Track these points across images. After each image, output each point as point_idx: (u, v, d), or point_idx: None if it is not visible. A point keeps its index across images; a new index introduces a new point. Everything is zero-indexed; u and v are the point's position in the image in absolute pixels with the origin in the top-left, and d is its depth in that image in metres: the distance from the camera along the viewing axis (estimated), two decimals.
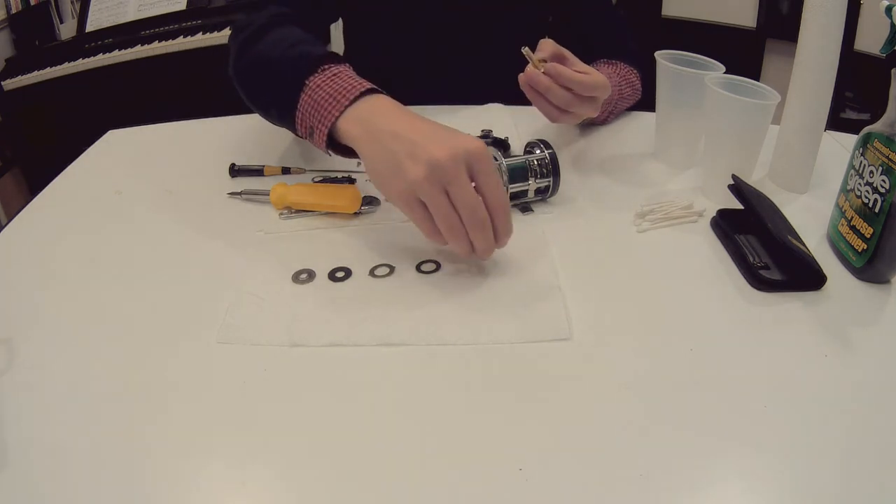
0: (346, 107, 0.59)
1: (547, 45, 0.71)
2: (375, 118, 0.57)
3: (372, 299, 0.56)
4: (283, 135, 0.87)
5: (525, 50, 0.69)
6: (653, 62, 0.77)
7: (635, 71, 0.92)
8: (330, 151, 0.62)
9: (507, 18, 0.97)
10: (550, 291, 0.56)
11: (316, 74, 0.63)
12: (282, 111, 0.66)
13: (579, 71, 0.72)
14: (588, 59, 0.92)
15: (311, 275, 0.59)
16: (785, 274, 0.57)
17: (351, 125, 0.58)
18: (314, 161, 0.79)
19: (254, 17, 0.77)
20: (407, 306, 0.55)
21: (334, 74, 0.62)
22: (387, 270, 0.59)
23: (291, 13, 0.79)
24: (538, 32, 1.03)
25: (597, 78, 0.70)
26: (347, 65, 0.65)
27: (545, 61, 0.70)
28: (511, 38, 0.98)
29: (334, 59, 0.65)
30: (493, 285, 0.57)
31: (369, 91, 0.60)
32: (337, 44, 0.95)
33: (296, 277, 0.59)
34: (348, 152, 0.61)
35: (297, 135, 0.66)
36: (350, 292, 0.57)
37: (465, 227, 0.53)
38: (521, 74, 0.70)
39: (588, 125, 0.90)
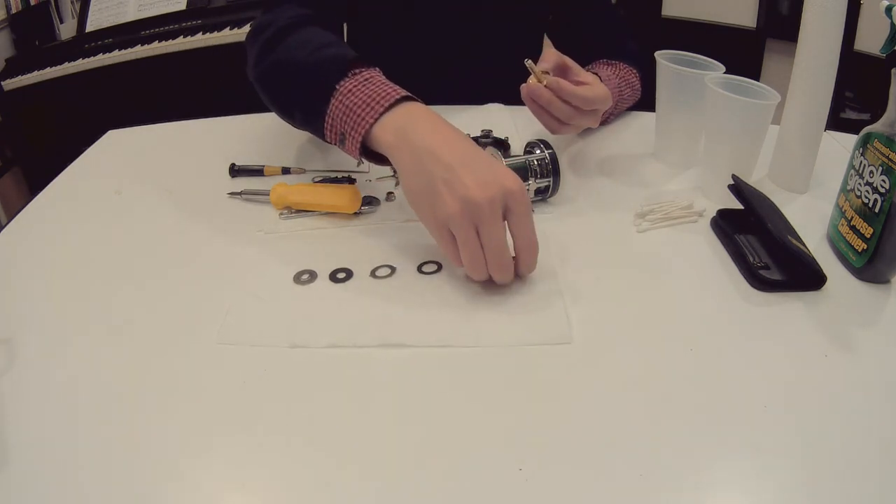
0: (382, 114, 0.57)
1: (550, 56, 0.71)
2: (412, 129, 0.56)
3: (373, 301, 0.56)
4: (283, 135, 0.87)
5: (528, 62, 0.69)
6: (653, 62, 0.77)
7: (635, 71, 0.92)
8: (363, 159, 0.61)
9: (508, 19, 0.97)
10: (551, 295, 0.56)
11: (347, 79, 0.61)
12: (309, 115, 0.64)
13: (581, 82, 0.72)
14: (588, 59, 0.92)
15: (312, 275, 0.59)
16: (785, 274, 0.57)
17: (387, 134, 0.57)
18: (314, 161, 0.79)
19: (273, 17, 0.75)
20: (408, 308, 0.55)
21: (366, 79, 0.60)
22: (388, 271, 0.59)
23: (311, 14, 0.77)
24: (538, 32, 1.03)
25: (598, 91, 0.71)
26: (377, 69, 0.64)
27: (548, 73, 0.70)
28: (511, 39, 0.98)
29: (364, 62, 0.63)
30: (495, 287, 0.57)
31: (405, 98, 0.59)
32: None
33: (297, 278, 0.59)
34: (381, 159, 0.60)
35: (323, 140, 0.64)
36: (351, 293, 0.57)
37: (488, 266, 0.53)
38: (523, 86, 0.70)
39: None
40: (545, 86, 0.68)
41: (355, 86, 0.60)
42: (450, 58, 0.97)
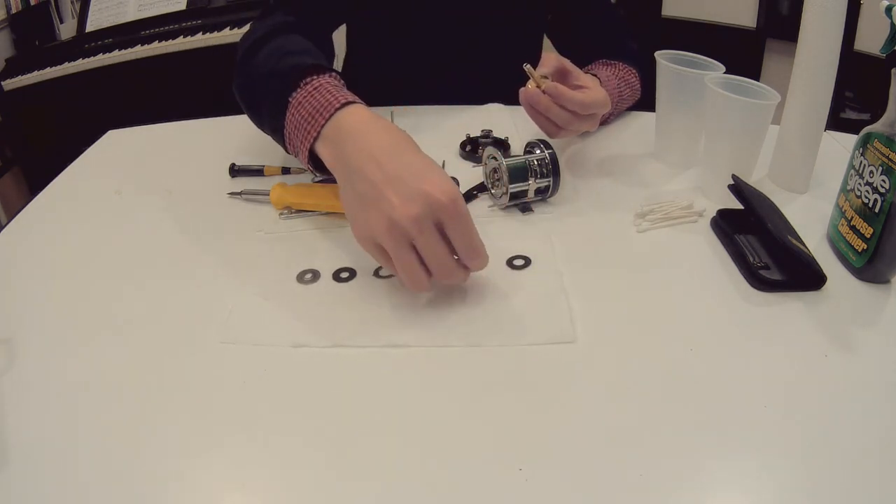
0: (323, 125, 0.57)
1: (549, 60, 0.71)
2: (344, 144, 0.55)
3: (377, 301, 0.56)
4: None
5: (527, 67, 0.69)
6: (652, 62, 0.77)
7: (634, 71, 0.92)
8: (317, 174, 0.61)
9: (507, 20, 0.97)
10: (554, 294, 0.56)
11: (298, 90, 0.60)
12: (275, 129, 0.64)
13: (580, 85, 0.72)
14: (587, 59, 0.92)
15: (315, 275, 0.59)
16: (785, 274, 0.57)
17: (325, 149, 0.57)
18: None
19: (257, 26, 0.75)
20: (412, 308, 0.55)
21: (315, 89, 0.60)
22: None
23: (295, 21, 0.77)
24: (537, 33, 1.03)
25: (596, 95, 0.71)
26: (332, 74, 0.63)
27: (546, 77, 0.70)
28: (511, 40, 0.98)
29: (319, 69, 0.62)
30: (497, 287, 0.57)
31: (344, 105, 0.57)
32: (339, 49, 0.95)
33: (300, 278, 0.59)
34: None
35: (289, 154, 0.64)
36: (355, 293, 0.57)
37: (435, 279, 0.52)
38: (522, 91, 0.70)
39: None
40: (543, 91, 0.68)
41: (304, 97, 0.59)
42: (449, 59, 0.97)
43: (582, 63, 0.92)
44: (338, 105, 0.57)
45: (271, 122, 0.64)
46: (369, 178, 0.51)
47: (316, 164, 0.60)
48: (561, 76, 0.72)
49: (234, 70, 0.73)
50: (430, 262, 0.50)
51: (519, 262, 0.60)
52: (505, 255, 0.61)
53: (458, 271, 0.52)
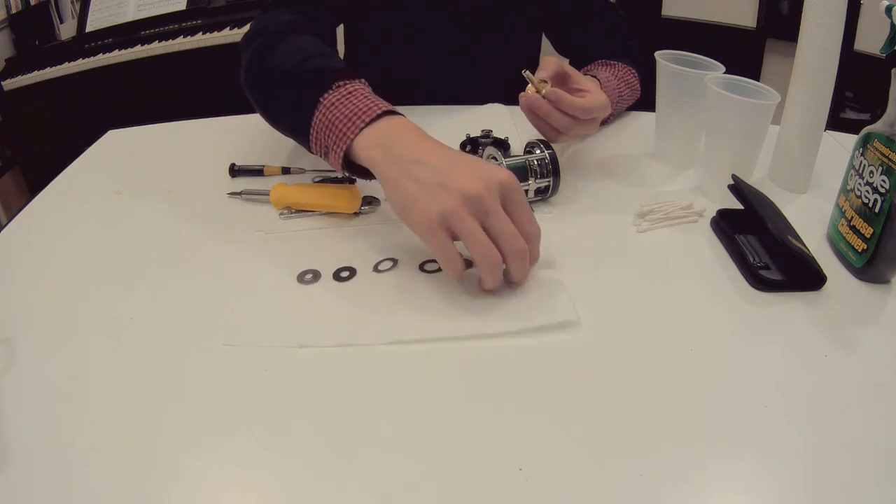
0: (363, 128, 0.58)
1: (549, 64, 0.71)
2: (395, 142, 0.56)
3: (378, 298, 0.56)
4: (283, 135, 0.87)
5: (526, 73, 0.69)
6: (653, 61, 0.77)
7: (634, 71, 0.92)
8: (346, 172, 0.62)
9: (506, 19, 0.97)
10: (554, 284, 0.57)
11: (330, 91, 0.61)
12: (295, 127, 0.65)
13: (580, 89, 0.72)
14: (586, 58, 0.92)
15: (316, 275, 0.59)
16: (785, 274, 0.57)
17: (370, 149, 0.57)
18: (314, 161, 0.79)
19: (266, 22, 0.75)
20: (413, 304, 0.55)
21: (349, 93, 0.61)
22: (390, 264, 0.60)
23: (303, 20, 0.77)
24: (536, 32, 1.03)
25: (596, 100, 0.70)
26: (363, 81, 0.64)
27: (546, 81, 0.70)
28: (510, 39, 0.98)
29: (349, 74, 0.63)
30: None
31: (386, 112, 0.59)
32: (339, 48, 0.95)
33: (301, 278, 0.59)
34: (366, 173, 0.60)
35: (310, 151, 0.64)
36: (356, 292, 0.57)
37: (504, 257, 0.52)
38: (521, 96, 0.70)
39: None
40: (543, 96, 0.68)
41: (338, 99, 0.60)
42: (449, 59, 0.97)
43: (581, 63, 0.92)
44: (379, 111, 0.58)
45: (294, 120, 0.64)
46: (433, 163, 0.53)
47: (347, 165, 0.61)
48: (560, 80, 0.72)
49: (244, 63, 0.72)
50: (504, 236, 0.51)
51: None
52: None
53: (527, 257, 0.53)
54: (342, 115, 0.59)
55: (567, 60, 0.86)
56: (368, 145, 0.57)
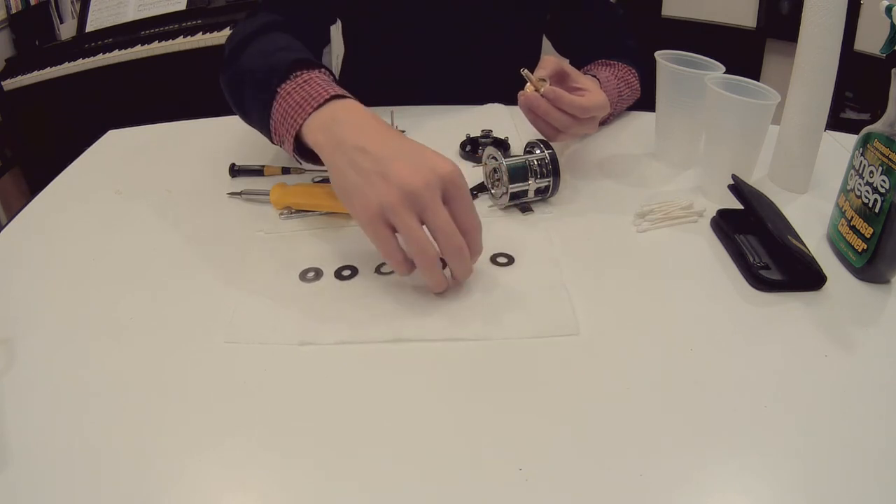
0: (311, 113, 0.58)
1: (548, 63, 0.71)
2: (340, 126, 0.56)
3: (380, 297, 0.56)
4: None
5: (524, 72, 0.69)
6: (653, 60, 0.77)
7: (633, 70, 0.92)
8: (300, 160, 0.62)
9: (506, 18, 0.97)
10: (556, 289, 0.57)
11: (287, 82, 0.62)
12: (261, 120, 0.65)
13: (579, 88, 0.72)
14: (586, 57, 0.92)
15: (318, 273, 0.59)
16: (785, 274, 0.57)
17: (315, 132, 0.57)
18: None
19: (245, 25, 0.76)
20: (415, 303, 0.55)
21: (304, 81, 0.61)
22: None
23: (283, 20, 0.77)
24: (537, 32, 1.03)
25: (595, 99, 0.70)
26: (323, 69, 0.64)
27: (545, 80, 0.70)
28: (510, 38, 0.98)
29: (309, 64, 0.63)
30: (500, 283, 0.58)
31: (336, 97, 0.58)
32: (338, 48, 0.95)
33: (303, 276, 0.59)
34: (318, 159, 0.60)
35: (272, 143, 0.65)
36: (358, 290, 0.57)
37: (443, 254, 0.52)
38: (520, 95, 0.70)
39: None
40: (542, 94, 0.68)
41: (293, 88, 0.61)
42: (449, 59, 0.97)
43: (581, 63, 0.92)
44: (328, 96, 0.58)
45: (259, 114, 0.65)
46: (374, 153, 0.52)
47: (301, 152, 0.61)
48: (559, 79, 0.72)
49: (221, 67, 0.74)
50: (441, 232, 0.50)
51: (518, 261, 0.60)
52: (507, 252, 0.61)
53: (466, 251, 0.52)
54: (294, 103, 0.59)
55: (567, 60, 0.86)
56: (315, 129, 0.57)
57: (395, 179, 0.50)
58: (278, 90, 0.61)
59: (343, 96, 0.59)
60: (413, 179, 0.49)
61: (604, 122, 0.90)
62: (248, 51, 0.71)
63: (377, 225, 0.51)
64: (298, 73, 0.62)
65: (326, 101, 0.58)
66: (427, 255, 0.51)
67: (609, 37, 0.97)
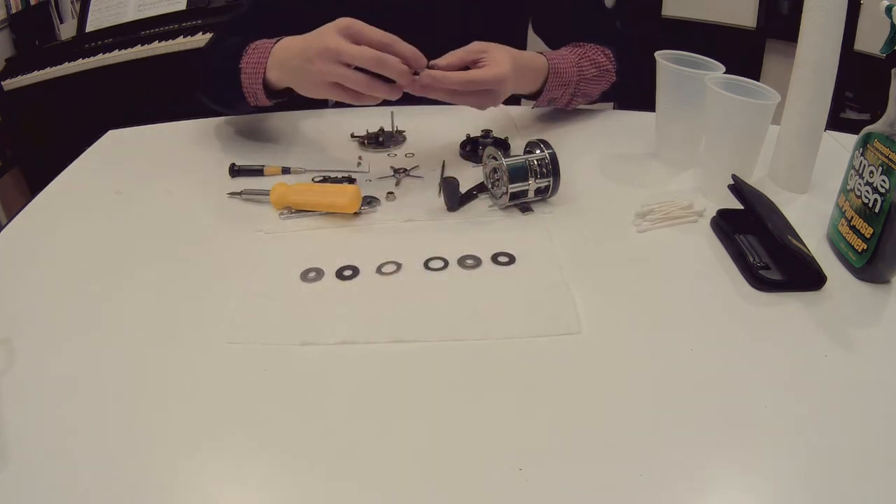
0: (265, 63, 0.74)
1: (449, 56, 0.74)
2: (281, 55, 0.73)
3: (381, 297, 0.56)
4: (283, 135, 0.87)
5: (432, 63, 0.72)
6: (648, 47, 0.77)
7: (608, 52, 0.90)
8: (273, 102, 0.78)
9: (487, 13, 0.96)
10: (557, 287, 0.57)
11: (244, 56, 0.76)
12: (239, 100, 0.78)
13: (479, 61, 0.75)
14: (564, 44, 0.92)
15: (319, 273, 0.59)
16: (785, 274, 0.57)
17: (273, 73, 0.74)
18: (314, 161, 0.79)
19: (213, 47, 0.87)
20: (416, 303, 0.55)
21: (254, 49, 0.76)
22: (394, 268, 0.60)
23: (241, 41, 0.80)
24: (522, 25, 1.03)
25: (483, 73, 0.72)
26: (271, 39, 0.76)
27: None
28: (495, 32, 0.98)
29: (255, 40, 0.77)
30: (501, 282, 0.58)
31: (276, 42, 0.73)
32: None
33: (304, 276, 0.59)
34: (284, 93, 0.77)
35: (255, 110, 0.80)
36: (359, 290, 0.57)
37: (380, 71, 0.64)
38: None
39: (557, 110, 0.91)
40: (419, 76, 0.69)
41: (250, 58, 0.76)
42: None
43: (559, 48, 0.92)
44: (272, 45, 0.74)
45: (234, 94, 0.77)
46: (297, 46, 0.70)
47: (273, 96, 0.77)
48: (472, 63, 0.75)
49: (196, 89, 0.85)
50: (363, 62, 0.64)
51: (518, 261, 0.60)
52: (507, 251, 0.61)
53: (392, 61, 0.65)
54: (252, 66, 0.75)
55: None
56: (272, 71, 0.74)
57: (311, 53, 0.66)
58: (240, 66, 0.76)
59: (280, 38, 0.74)
60: (323, 39, 0.66)
61: (568, 105, 0.89)
62: (213, 65, 0.83)
63: (326, 88, 0.67)
64: (246, 48, 0.76)
65: (270, 50, 0.74)
66: (362, 83, 0.65)
67: (587, 24, 0.95)
